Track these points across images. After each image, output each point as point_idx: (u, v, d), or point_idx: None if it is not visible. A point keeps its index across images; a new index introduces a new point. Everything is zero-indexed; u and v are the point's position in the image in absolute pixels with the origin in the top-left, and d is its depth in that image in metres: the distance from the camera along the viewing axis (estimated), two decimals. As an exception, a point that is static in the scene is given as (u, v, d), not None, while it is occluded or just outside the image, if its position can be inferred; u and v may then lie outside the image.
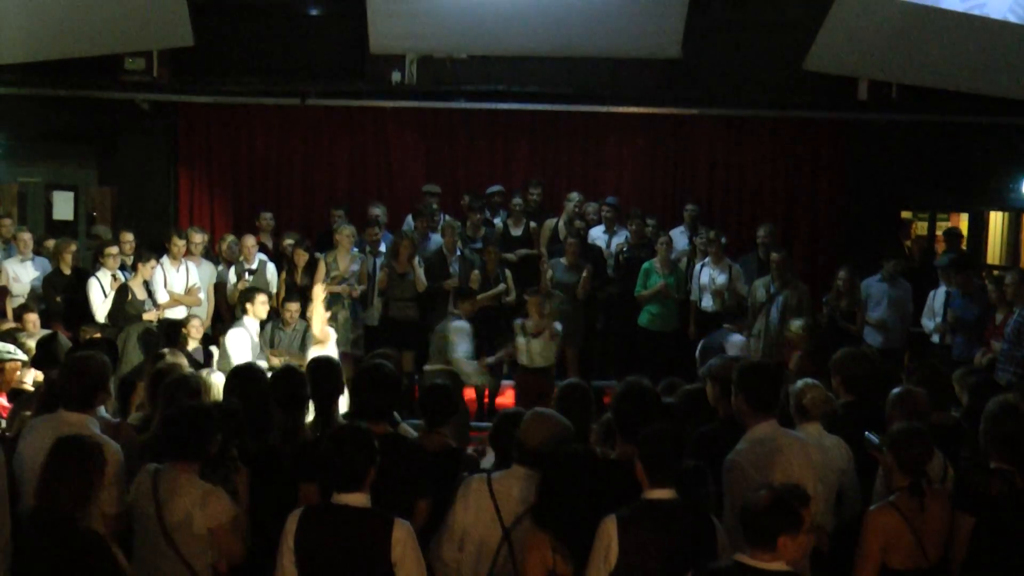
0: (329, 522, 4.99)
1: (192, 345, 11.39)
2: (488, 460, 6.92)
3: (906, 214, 16.74)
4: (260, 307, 11.23)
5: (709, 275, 13.10)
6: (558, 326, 11.52)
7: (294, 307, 11.68)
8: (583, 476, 5.19)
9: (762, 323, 12.38)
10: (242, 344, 10.84)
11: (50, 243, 13.44)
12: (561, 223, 14.22)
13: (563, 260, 13.17)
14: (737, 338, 10.99)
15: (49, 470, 4.99)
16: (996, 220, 18.37)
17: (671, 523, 5.06)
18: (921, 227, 17.27)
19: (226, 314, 13.41)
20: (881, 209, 15.99)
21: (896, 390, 6.73)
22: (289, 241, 13.85)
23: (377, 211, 14.39)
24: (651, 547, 4.95)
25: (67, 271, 12.84)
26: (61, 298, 12.61)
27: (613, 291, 13.72)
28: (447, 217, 14.10)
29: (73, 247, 13.03)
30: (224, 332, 11.68)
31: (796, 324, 10.76)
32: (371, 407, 6.03)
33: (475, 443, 7.07)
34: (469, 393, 12.74)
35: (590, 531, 5.04)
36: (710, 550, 5.06)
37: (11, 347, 8.30)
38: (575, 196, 14.60)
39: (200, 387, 6.80)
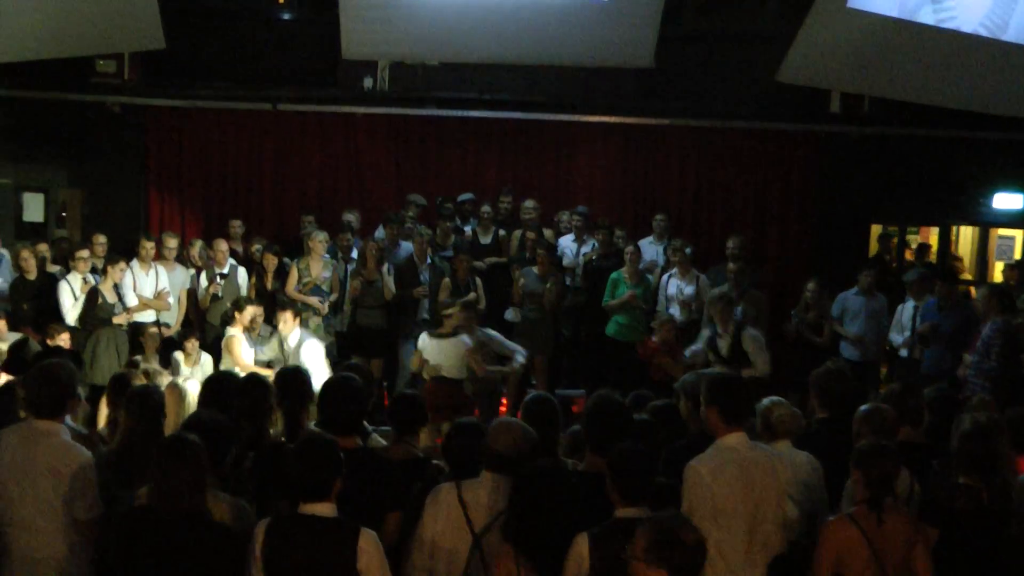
0: (296, 532, 4.99)
1: (149, 354, 11.40)
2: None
3: (876, 227, 16.82)
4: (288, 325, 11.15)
5: (677, 286, 13.13)
6: (467, 340, 11.35)
7: (257, 311, 11.66)
8: (553, 491, 5.19)
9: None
10: (317, 354, 10.73)
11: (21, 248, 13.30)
12: (523, 233, 14.25)
13: (534, 269, 13.20)
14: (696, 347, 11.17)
15: (165, 469, 5.02)
16: (965, 234, 18.53)
17: None
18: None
19: (195, 319, 13.38)
20: (851, 222, 16.07)
21: (863, 407, 6.77)
22: (258, 246, 13.85)
23: (351, 217, 14.40)
24: (623, 566, 4.96)
25: (31, 276, 12.75)
26: (28, 304, 12.52)
27: (580, 300, 13.75)
28: (420, 226, 14.08)
29: (28, 252, 12.87)
30: (190, 337, 11.74)
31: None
32: (339, 420, 6.04)
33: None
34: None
35: (559, 546, 5.05)
36: None
37: None
38: (530, 204, 14.58)
39: (163, 401, 6.76)
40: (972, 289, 14.77)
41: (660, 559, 4.40)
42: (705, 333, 11.55)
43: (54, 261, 13.43)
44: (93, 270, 12.53)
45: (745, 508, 5.56)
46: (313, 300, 12.75)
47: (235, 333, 11.14)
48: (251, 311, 11.50)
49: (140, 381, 7.48)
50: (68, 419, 6.24)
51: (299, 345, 10.64)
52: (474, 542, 5.49)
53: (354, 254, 13.46)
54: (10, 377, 8.26)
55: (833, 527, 5.64)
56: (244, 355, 11.00)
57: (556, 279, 13.16)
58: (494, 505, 5.46)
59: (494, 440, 5.70)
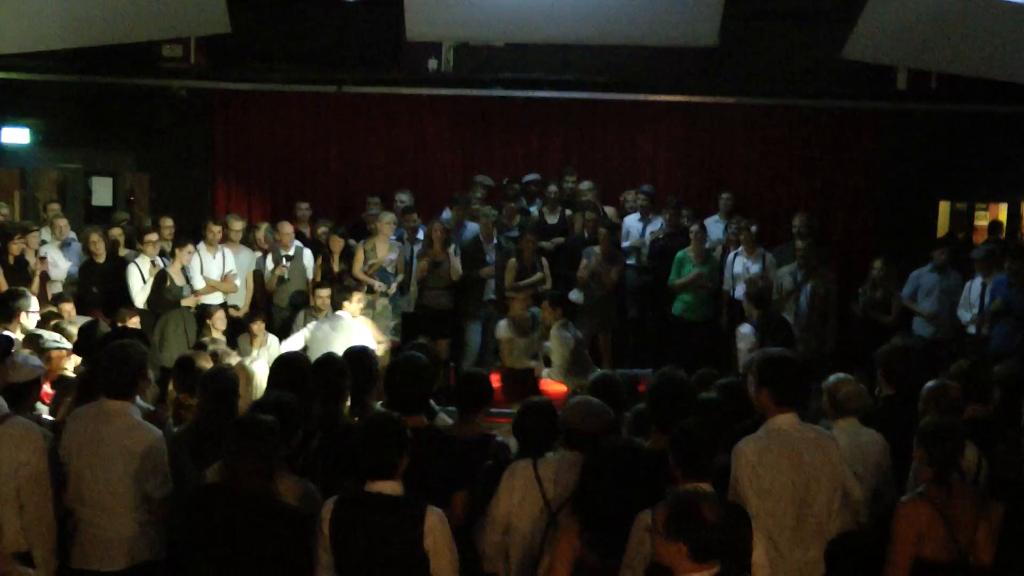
0: (363, 510, 5.00)
1: (216, 335, 11.49)
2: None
3: (944, 204, 16.64)
4: (355, 306, 11.27)
5: (743, 264, 13.06)
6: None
7: (325, 293, 11.73)
8: (624, 468, 5.18)
9: (791, 312, 12.35)
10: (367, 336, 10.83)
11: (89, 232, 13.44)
12: (585, 214, 14.16)
13: (597, 249, 13.19)
14: (745, 328, 11.01)
15: (238, 448, 5.07)
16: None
17: None
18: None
19: (262, 302, 13.48)
20: (918, 199, 15.91)
21: (929, 384, 6.70)
22: (324, 228, 13.91)
23: (404, 197, 14.43)
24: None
25: (100, 260, 12.90)
26: (97, 287, 12.67)
27: (647, 279, 13.72)
28: (486, 206, 14.10)
29: (97, 236, 13.00)
30: (256, 319, 11.86)
31: None
32: (405, 400, 6.06)
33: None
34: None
35: (625, 524, 5.05)
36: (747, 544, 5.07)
37: (56, 335, 8.39)
38: (586, 184, 14.60)
39: (236, 381, 6.80)
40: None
41: (679, 533, 4.36)
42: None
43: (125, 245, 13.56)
44: (161, 253, 12.64)
45: (794, 489, 5.52)
46: (378, 283, 12.81)
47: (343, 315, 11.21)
48: (322, 293, 11.60)
49: (206, 362, 7.52)
50: (139, 399, 6.32)
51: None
52: (550, 519, 5.50)
53: (420, 235, 13.49)
54: (79, 359, 8.36)
55: (909, 509, 5.58)
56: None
57: (619, 259, 13.15)
58: (570, 482, 5.44)
59: (572, 417, 5.73)
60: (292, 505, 5.25)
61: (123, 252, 13.19)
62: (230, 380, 6.64)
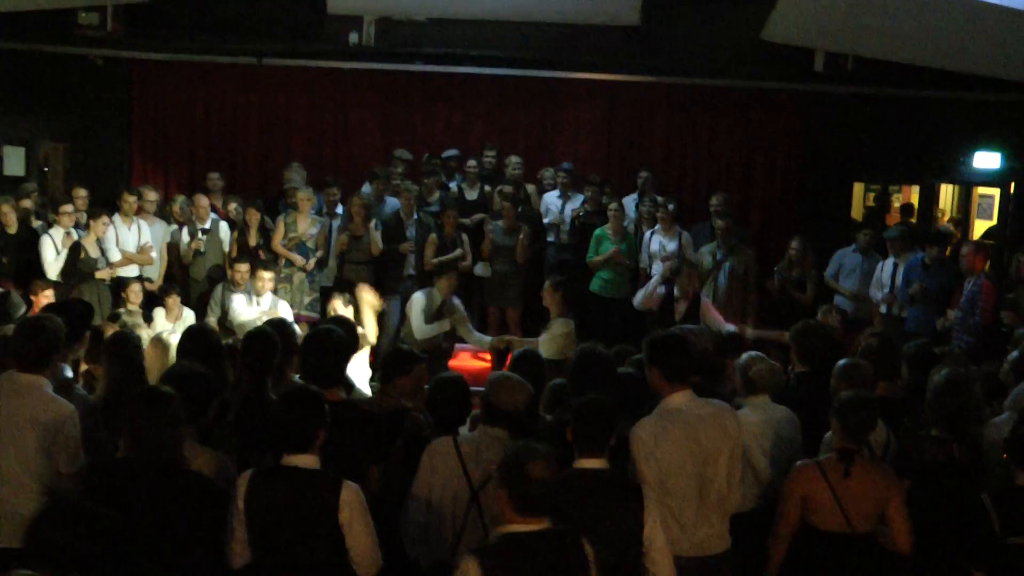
0: (278, 483, 5.00)
1: (131, 307, 11.41)
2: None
3: (859, 185, 16.85)
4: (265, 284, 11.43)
5: (659, 242, 13.15)
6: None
7: (244, 268, 11.73)
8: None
9: (710, 289, 12.48)
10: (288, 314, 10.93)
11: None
12: (498, 188, 14.29)
13: (500, 223, 13.28)
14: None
15: (142, 419, 5.04)
16: (946, 192, 18.61)
17: (598, 491, 5.15)
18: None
19: (178, 274, 13.36)
20: (835, 180, 16.09)
21: (841, 362, 6.84)
22: (234, 205, 13.76)
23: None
24: (594, 520, 5.00)
25: (11, 231, 12.66)
26: (8, 258, 12.46)
27: (567, 257, 13.78)
28: (406, 181, 14.06)
29: (8, 207, 12.75)
30: (171, 293, 11.79)
31: None
32: (321, 372, 6.04)
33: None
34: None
35: None
36: (637, 520, 5.13)
37: None
38: (514, 159, 14.62)
39: (139, 344, 6.75)
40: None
41: (502, 482, 4.52)
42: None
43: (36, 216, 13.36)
44: (76, 225, 12.49)
45: (693, 467, 5.57)
46: (297, 257, 12.78)
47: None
48: (240, 268, 11.58)
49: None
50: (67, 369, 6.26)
51: (272, 306, 10.74)
52: (472, 495, 5.53)
53: (339, 210, 13.44)
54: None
55: (798, 472, 5.79)
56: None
57: (525, 231, 13.21)
58: (492, 459, 5.42)
59: (494, 395, 5.75)
60: (205, 475, 5.23)
61: (35, 223, 13.00)
62: (132, 343, 6.60)
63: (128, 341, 6.59)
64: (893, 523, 5.67)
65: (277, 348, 6.55)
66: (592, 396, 5.40)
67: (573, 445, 5.23)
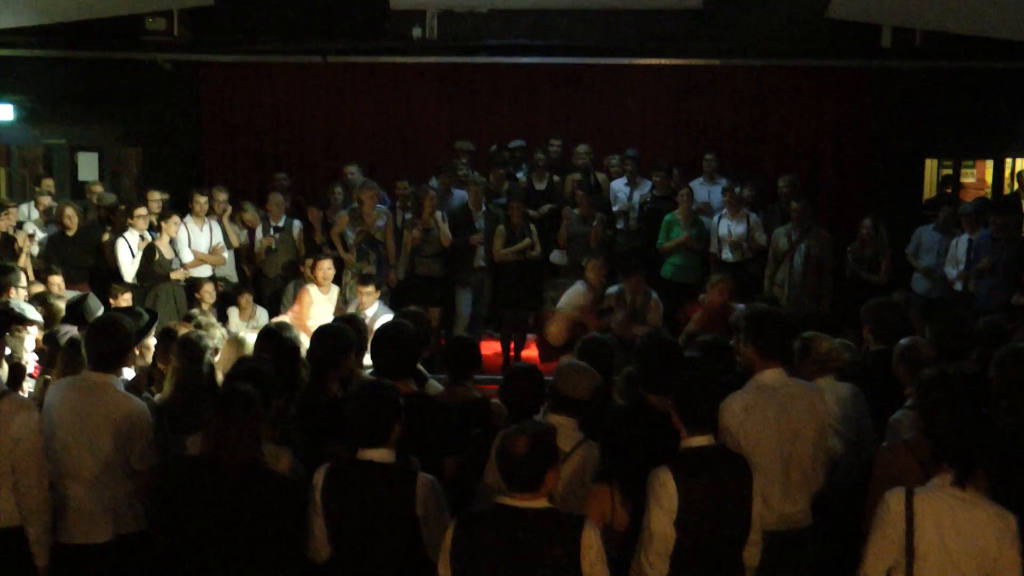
0: (354, 478, 5.02)
1: (206, 307, 11.51)
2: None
3: (931, 162, 16.66)
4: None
5: (727, 226, 13.10)
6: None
7: (326, 264, 11.59)
8: (641, 428, 5.26)
9: (785, 271, 12.41)
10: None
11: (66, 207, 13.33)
12: (570, 177, 14.24)
13: (576, 211, 13.24)
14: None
15: (220, 420, 5.06)
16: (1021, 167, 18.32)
17: (716, 469, 5.12)
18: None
19: (251, 273, 13.46)
20: (905, 157, 15.91)
21: (903, 341, 6.72)
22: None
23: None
24: (705, 494, 5.01)
25: (70, 232, 12.87)
26: (66, 261, 12.56)
27: (636, 243, 13.74)
28: (473, 173, 14.08)
29: (71, 210, 12.97)
30: (244, 292, 11.90)
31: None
32: (392, 366, 6.06)
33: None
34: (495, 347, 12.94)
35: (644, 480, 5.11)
36: (748, 493, 5.13)
37: (27, 307, 8.25)
38: (583, 148, 14.58)
39: (208, 346, 6.80)
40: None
41: (496, 459, 4.63)
42: None
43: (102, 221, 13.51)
44: (150, 227, 12.63)
45: (780, 444, 5.58)
46: (346, 254, 12.79)
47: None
48: (323, 266, 11.54)
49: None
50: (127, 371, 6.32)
51: (375, 316, 10.69)
52: None
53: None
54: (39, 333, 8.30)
55: (887, 453, 5.68)
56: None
57: (599, 219, 13.15)
58: (561, 447, 5.43)
59: (562, 383, 5.77)
60: (284, 474, 5.27)
61: (105, 234, 13.13)
62: (201, 345, 6.65)
63: (197, 343, 6.64)
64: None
65: (349, 343, 6.59)
66: (692, 374, 5.39)
67: (680, 426, 5.21)
